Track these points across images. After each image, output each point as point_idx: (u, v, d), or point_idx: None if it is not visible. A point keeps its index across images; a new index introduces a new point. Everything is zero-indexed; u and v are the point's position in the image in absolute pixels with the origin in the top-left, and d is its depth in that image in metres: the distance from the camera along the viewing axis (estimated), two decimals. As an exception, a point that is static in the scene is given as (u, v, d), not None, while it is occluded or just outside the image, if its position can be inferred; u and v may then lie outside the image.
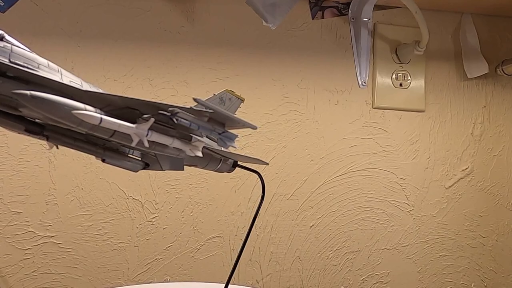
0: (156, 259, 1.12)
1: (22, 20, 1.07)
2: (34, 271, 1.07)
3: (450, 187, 1.27)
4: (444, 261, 1.26)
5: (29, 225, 1.07)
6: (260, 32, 1.17)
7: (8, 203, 1.06)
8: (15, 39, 0.44)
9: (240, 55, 1.17)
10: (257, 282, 1.17)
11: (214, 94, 0.61)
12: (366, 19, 1.22)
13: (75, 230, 1.09)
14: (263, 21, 1.03)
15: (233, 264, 0.61)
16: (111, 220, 1.10)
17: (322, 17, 1.22)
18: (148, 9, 1.14)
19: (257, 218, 0.67)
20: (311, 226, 1.20)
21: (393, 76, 1.24)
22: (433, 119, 1.27)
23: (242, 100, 0.61)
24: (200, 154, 0.45)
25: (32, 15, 1.08)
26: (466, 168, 1.29)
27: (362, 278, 1.22)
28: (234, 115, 0.53)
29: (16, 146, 1.06)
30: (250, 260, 1.17)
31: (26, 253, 1.06)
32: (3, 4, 1.07)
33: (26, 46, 0.45)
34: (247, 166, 0.63)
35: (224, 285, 0.58)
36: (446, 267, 1.27)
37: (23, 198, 1.07)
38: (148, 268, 1.12)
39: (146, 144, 0.41)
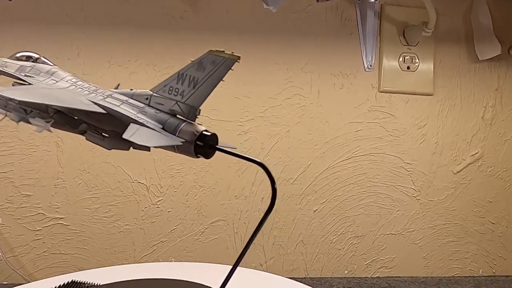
0: (161, 241, 1.15)
1: (29, 8, 1.09)
2: (44, 251, 1.11)
3: (458, 172, 1.25)
4: (451, 247, 1.25)
5: (39, 207, 1.11)
6: (264, 16, 1.16)
7: (19, 186, 1.10)
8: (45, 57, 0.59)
9: (243, 39, 1.17)
10: (261, 265, 1.18)
11: (192, 61, 0.48)
12: (373, 0, 1.19)
13: (83, 212, 1.12)
14: (264, 4, 1.01)
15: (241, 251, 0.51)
16: (117, 203, 1.13)
17: (327, -1, 1.20)
18: (151, -6, 1.14)
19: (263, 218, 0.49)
20: (315, 211, 1.20)
21: (401, 59, 1.21)
22: (442, 103, 1.24)
23: (236, 59, 0.45)
24: (38, 129, 0.49)
25: (38, 2, 1.10)
26: (476, 153, 1.26)
27: (366, 263, 1.22)
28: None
29: (25, 131, 1.10)
30: (254, 243, 1.18)
31: (37, 234, 1.10)
32: (10, -8, 1.09)
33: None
34: (245, 155, 0.46)
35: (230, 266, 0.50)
36: (453, 253, 1.25)
37: (33, 181, 1.10)
38: (154, 250, 1.15)
39: None
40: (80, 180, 1.12)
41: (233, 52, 0.45)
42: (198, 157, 0.46)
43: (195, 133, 0.46)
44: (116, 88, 0.53)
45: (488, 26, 1.23)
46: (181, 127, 0.46)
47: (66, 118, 0.50)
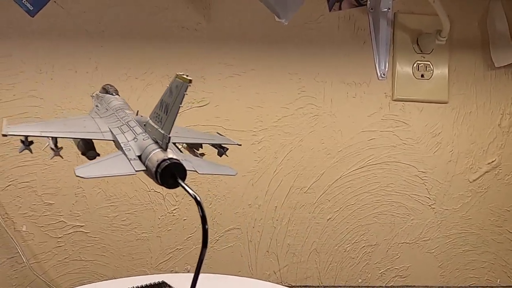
0: (177, 248, 1.17)
1: (50, 23, 1.13)
2: (66, 258, 1.15)
3: (474, 180, 1.23)
4: (467, 256, 1.23)
5: (60, 215, 1.15)
6: (276, 26, 1.17)
7: (41, 195, 1.14)
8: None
9: (256, 49, 1.18)
10: (274, 273, 1.20)
11: (167, 86, 0.48)
12: (386, 9, 1.19)
13: (102, 220, 1.16)
14: (275, 16, 1.03)
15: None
16: (134, 211, 1.16)
17: (340, 9, 1.20)
18: (165, 7, 1.17)
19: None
20: (328, 219, 1.21)
21: (414, 67, 1.21)
22: (457, 111, 1.23)
23: (188, 82, 0.43)
24: (50, 155, 0.54)
25: (58, 17, 1.14)
26: (493, 161, 1.24)
27: (380, 272, 1.22)
28: None
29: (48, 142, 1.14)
30: (267, 251, 1.20)
31: (58, 241, 1.15)
32: (32, 8, 1.13)
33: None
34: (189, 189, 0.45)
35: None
36: (470, 263, 1.23)
37: (55, 190, 1.15)
38: (170, 257, 1.17)
39: None
40: (99, 189, 1.15)
41: (187, 75, 0.43)
42: (163, 185, 0.45)
43: (157, 161, 0.44)
44: (136, 115, 0.57)
45: (505, 32, 1.21)
46: (151, 154, 0.45)
47: (86, 144, 0.54)
